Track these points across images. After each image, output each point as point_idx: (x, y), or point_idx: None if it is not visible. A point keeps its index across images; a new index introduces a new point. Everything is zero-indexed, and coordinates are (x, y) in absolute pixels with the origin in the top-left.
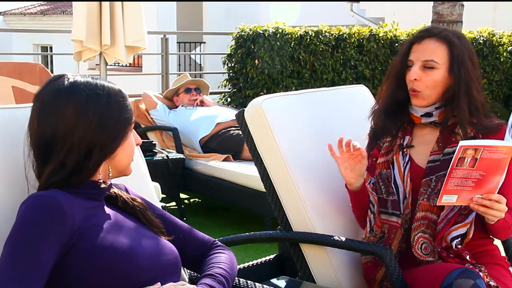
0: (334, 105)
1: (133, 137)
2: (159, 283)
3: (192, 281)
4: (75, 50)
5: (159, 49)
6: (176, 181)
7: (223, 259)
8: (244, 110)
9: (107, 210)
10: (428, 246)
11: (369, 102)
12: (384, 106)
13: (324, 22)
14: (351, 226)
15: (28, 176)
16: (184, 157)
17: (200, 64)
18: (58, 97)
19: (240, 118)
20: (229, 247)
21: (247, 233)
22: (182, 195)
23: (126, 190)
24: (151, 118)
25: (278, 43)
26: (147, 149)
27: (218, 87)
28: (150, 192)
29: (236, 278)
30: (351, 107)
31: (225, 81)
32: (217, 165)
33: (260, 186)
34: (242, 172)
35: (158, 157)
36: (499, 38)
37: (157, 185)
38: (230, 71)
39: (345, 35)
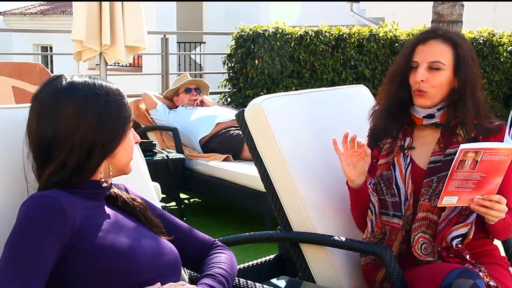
0: (334, 105)
1: (132, 136)
2: (159, 283)
3: (192, 281)
4: (75, 50)
5: (159, 49)
6: (176, 181)
7: (223, 259)
8: (244, 110)
9: (107, 210)
10: (428, 246)
11: (369, 102)
12: (386, 107)
13: (324, 22)
14: (351, 226)
15: (28, 176)
16: (184, 157)
17: (200, 64)
18: (57, 98)
19: (240, 118)
20: (229, 247)
21: (247, 233)
22: (182, 195)
23: (126, 190)
24: (151, 118)
25: (278, 43)
26: (147, 149)
27: (218, 87)
28: (150, 192)
29: (236, 278)
30: (351, 107)
31: (225, 81)
32: (217, 165)
33: (260, 186)
34: (242, 172)
35: (158, 157)
36: (499, 38)
37: (157, 185)
38: (230, 71)
39: (345, 35)
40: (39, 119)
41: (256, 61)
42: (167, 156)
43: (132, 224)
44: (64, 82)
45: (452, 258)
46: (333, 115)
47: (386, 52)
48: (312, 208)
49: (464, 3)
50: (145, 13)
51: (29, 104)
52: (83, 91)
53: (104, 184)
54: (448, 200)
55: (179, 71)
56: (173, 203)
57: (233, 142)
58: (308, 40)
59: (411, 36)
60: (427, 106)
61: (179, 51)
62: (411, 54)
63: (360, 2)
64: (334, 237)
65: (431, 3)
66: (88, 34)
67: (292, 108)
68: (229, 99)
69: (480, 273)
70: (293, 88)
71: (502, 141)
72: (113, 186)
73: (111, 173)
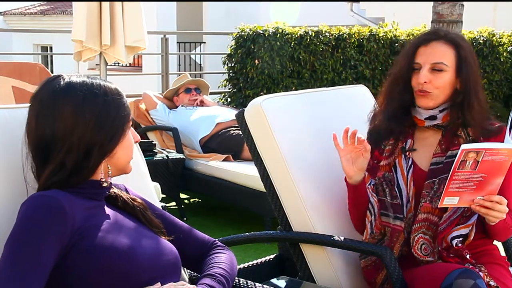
0: (334, 105)
1: (131, 135)
2: (159, 283)
3: (192, 281)
4: (75, 50)
5: (159, 49)
6: (176, 181)
7: (223, 259)
8: (244, 110)
9: (107, 210)
10: (428, 247)
11: (369, 102)
12: (389, 108)
13: (324, 22)
14: (351, 227)
15: (27, 177)
16: (184, 157)
17: (200, 64)
18: (55, 98)
19: (240, 118)
20: (229, 247)
21: (247, 233)
22: (182, 195)
23: (126, 190)
24: (151, 118)
25: (278, 43)
26: (147, 149)
27: (218, 87)
28: (150, 192)
29: (236, 278)
30: (351, 107)
31: (225, 81)
32: (217, 165)
33: (260, 186)
34: (242, 172)
35: (158, 157)
36: (499, 38)
37: (157, 185)
38: (230, 71)
39: (345, 35)
40: (38, 119)
41: (256, 61)
42: (167, 156)
43: (132, 224)
44: (62, 82)
45: (452, 258)
46: (333, 115)
47: (386, 52)
48: (312, 208)
49: (464, 3)
50: (145, 13)
51: (29, 104)
52: (81, 91)
53: (104, 184)
54: (449, 201)
55: (179, 71)
56: (173, 203)
57: (233, 142)
58: (308, 40)
59: (411, 36)
60: (429, 107)
61: (179, 51)
62: (413, 56)
63: (360, 2)
64: (334, 237)
65: (431, 3)
66: (88, 34)
67: (292, 108)
68: (229, 99)
69: (480, 273)
70: (293, 88)
71: (503, 142)
72: (113, 186)
73: (110, 173)
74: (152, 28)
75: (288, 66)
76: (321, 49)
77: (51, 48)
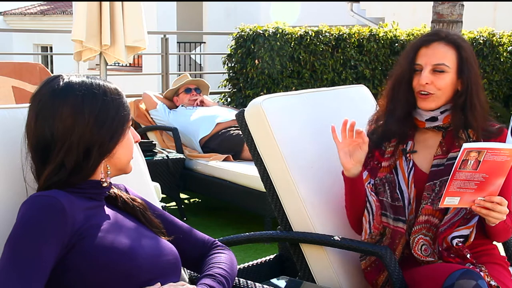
0: (334, 105)
1: (131, 135)
2: (159, 283)
3: (192, 281)
4: (75, 50)
5: (159, 49)
6: (176, 181)
7: (223, 259)
8: (244, 110)
9: (107, 210)
10: (428, 248)
11: (369, 102)
12: (391, 110)
13: (324, 22)
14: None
15: (26, 177)
16: (184, 157)
17: (200, 64)
18: (54, 98)
19: (240, 118)
20: (229, 247)
21: (247, 233)
22: (182, 195)
23: (126, 190)
24: (151, 118)
25: (278, 43)
26: (147, 149)
27: (218, 87)
28: (150, 192)
29: (236, 278)
30: (351, 107)
31: (225, 81)
32: (217, 165)
33: (260, 186)
34: (242, 172)
35: (158, 157)
36: (499, 38)
37: (157, 185)
38: (230, 71)
39: (345, 35)
40: (37, 120)
41: (256, 61)
42: (167, 156)
43: (132, 224)
44: (61, 82)
45: (453, 258)
46: (333, 115)
47: (386, 52)
48: (312, 208)
49: (464, 3)
50: (145, 13)
51: (29, 104)
52: (80, 91)
53: (104, 184)
54: (450, 201)
55: (179, 71)
56: (173, 203)
57: (233, 142)
58: (308, 40)
59: (411, 36)
60: (431, 109)
61: (179, 51)
62: (414, 57)
63: (360, 2)
64: (334, 237)
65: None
66: (88, 34)
67: (292, 108)
68: (229, 99)
69: (481, 273)
70: (293, 88)
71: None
72: (113, 186)
73: (109, 173)
74: (152, 28)
75: (288, 66)
76: (321, 49)
77: (51, 48)
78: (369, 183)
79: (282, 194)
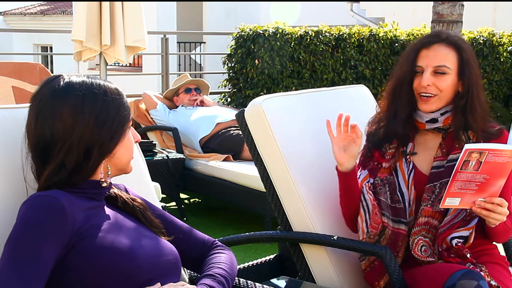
0: (334, 105)
1: (131, 135)
2: (159, 283)
3: (192, 281)
4: (75, 50)
5: (159, 49)
6: (176, 181)
7: (223, 259)
8: (244, 110)
9: (107, 210)
10: (428, 249)
11: (369, 102)
12: (392, 112)
13: (324, 22)
14: None
15: (26, 177)
16: (184, 157)
17: (200, 64)
18: (55, 98)
19: (240, 118)
20: (229, 247)
21: (247, 233)
22: (182, 195)
23: (126, 190)
24: (151, 118)
25: (278, 43)
26: (147, 149)
27: (218, 87)
28: (150, 192)
29: (236, 278)
30: (351, 107)
31: (225, 81)
32: (217, 165)
33: (260, 186)
34: (242, 172)
35: (158, 157)
36: (499, 38)
37: (157, 185)
38: (230, 71)
39: (345, 35)
40: (38, 119)
41: (256, 61)
42: (167, 156)
43: (132, 225)
44: (62, 82)
45: (453, 258)
46: (333, 115)
47: (386, 52)
48: (312, 208)
49: (464, 3)
50: (145, 13)
51: (29, 104)
52: (81, 91)
53: (104, 184)
54: (450, 202)
55: (179, 71)
56: (173, 203)
57: (233, 142)
58: (308, 40)
59: (411, 36)
60: (432, 111)
61: (179, 51)
62: (415, 59)
63: (360, 2)
64: (334, 237)
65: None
66: (88, 34)
67: (292, 108)
68: (229, 99)
69: (481, 273)
70: (293, 88)
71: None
72: (113, 187)
73: (109, 173)
74: (152, 28)
75: (288, 66)
76: (321, 49)
77: (51, 48)
78: (368, 181)
79: (282, 194)
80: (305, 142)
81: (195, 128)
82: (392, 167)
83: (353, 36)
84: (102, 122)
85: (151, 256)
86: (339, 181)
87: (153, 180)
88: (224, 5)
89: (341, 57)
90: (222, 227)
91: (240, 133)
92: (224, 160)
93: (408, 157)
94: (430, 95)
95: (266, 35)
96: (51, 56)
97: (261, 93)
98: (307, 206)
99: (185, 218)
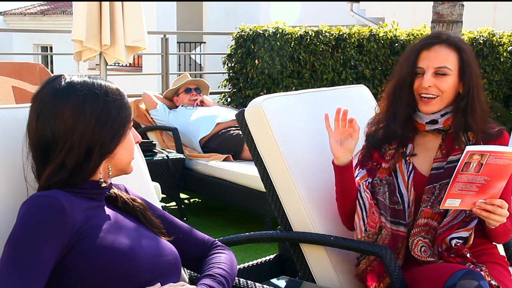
0: (334, 105)
1: (132, 136)
2: (158, 283)
3: (192, 281)
4: (75, 50)
5: (159, 49)
6: (176, 181)
7: (223, 259)
8: (244, 110)
9: (107, 210)
10: (428, 249)
11: (369, 102)
12: (392, 113)
13: (324, 22)
14: None
15: (27, 176)
16: (184, 157)
17: (200, 64)
18: (56, 98)
19: (240, 118)
20: (229, 247)
21: (247, 233)
22: (182, 195)
23: (126, 191)
24: (151, 118)
25: (278, 43)
26: (147, 149)
27: (218, 87)
28: (150, 192)
29: (236, 278)
30: (351, 107)
31: (225, 81)
32: (217, 165)
33: (260, 186)
34: (242, 172)
35: (158, 157)
36: (499, 38)
37: (157, 185)
38: (230, 71)
39: (345, 35)
40: (39, 119)
41: (256, 61)
42: (167, 156)
43: (132, 225)
44: (63, 82)
45: (453, 258)
46: (333, 115)
47: (386, 52)
48: (312, 208)
49: (464, 3)
50: (145, 13)
51: (30, 104)
52: (82, 91)
53: (103, 184)
54: (451, 203)
55: (179, 71)
56: (173, 203)
57: (233, 142)
58: (308, 40)
59: (411, 36)
60: (432, 112)
61: (179, 51)
62: (416, 60)
63: (360, 2)
64: (334, 237)
65: (431, 3)
66: (88, 34)
67: (292, 108)
68: (229, 99)
69: (482, 273)
70: (293, 88)
71: (505, 145)
72: (113, 187)
73: (110, 173)
74: (152, 28)
75: (288, 66)
76: (321, 49)
77: (51, 48)
78: (366, 180)
79: (282, 194)
80: (305, 142)
81: (195, 128)
82: (392, 168)
83: (353, 36)
84: (103, 123)
85: (151, 256)
86: (335, 175)
87: (153, 180)
88: (224, 5)
89: (341, 57)
90: (222, 227)
91: (240, 133)
92: (224, 160)
93: (407, 158)
94: (431, 96)
95: (266, 35)
96: (51, 56)
97: (261, 93)
98: (307, 206)
99: (185, 218)
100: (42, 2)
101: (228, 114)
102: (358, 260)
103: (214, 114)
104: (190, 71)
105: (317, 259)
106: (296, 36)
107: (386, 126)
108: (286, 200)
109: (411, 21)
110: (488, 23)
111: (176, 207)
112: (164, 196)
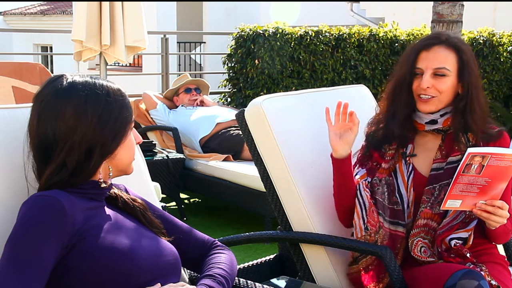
0: (334, 105)
1: (133, 136)
2: (159, 283)
3: (192, 281)
4: (75, 50)
5: (159, 49)
6: (176, 181)
7: (223, 259)
8: (244, 110)
9: (108, 210)
10: (427, 250)
11: (369, 102)
12: (394, 113)
13: (324, 22)
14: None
15: (28, 176)
16: (184, 157)
17: (200, 64)
18: (57, 98)
19: (240, 118)
20: (229, 247)
21: (247, 233)
22: (182, 195)
23: (126, 191)
24: (151, 118)
25: (278, 43)
26: (147, 149)
27: (218, 87)
28: (150, 192)
29: (236, 278)
30: (351, 107)
31: (225, 81)
32: (217, 165)
33: (260, 186)
34: (242, 172)
35: (158, 157)
36: (499, 38)
37: (157, 185)
38: (230, 71)
39: (345, 35)
40: (40, 119)
41: (256, 61)
42: (167, 156)
43: (132, 225)
44: (64, 82)
45: (453, 258)
46: (333, 115)
47: (386, 52)
48: (312, 208)
49: (464, 3)
50: (145, 13)
51: (30, 104)
52: (83, 91)
53: (103, 185)
54: (451, 204)
55: (179, 71)
56: (173, 203)
57: (233, 142)
58: (308, 40)
59: (411, 36)
60: (431, 112)
61: (179, 51)
62: (415, 61)
63: (360, 2)
64: (334, 237)
65: (431, 3)
66: (88, 34)
67: (292, 108)
68: (229, 99)
69: (482, 272)
70: (293, 88)
71: (504, 147)
72: (113, 187)
73: (111, 174)
74: (152, 28)
75: (288, 66)
76: (321, 49)
77: (51, 48)
78: (366, 180)
79: (282, 194)
80: (305, 142)
81: (195, 128)
82: (392, 169)
83: (353, 36)
84: (104, 123)
85: (151, 256)
86: (333, 169)
87: (153, 180)
88: (224, 5)
89: (341, 57)
90: (222, 227)
91: (240, 133)
92: (224, 160)
93: (408, 158)
94: (429, 96)
95: (266, 35)
96: (51, 56)
97: (261, 93)
98: (307, 206)
99: (185, 218)
100: (42, 2)
101: (228, 114)
102: (357, 259)
103: (214, 114)
104: (190, 71)
105: (317, 259)
106: (296, 36)
107: (386, 126)
108: (286, 200)
109: (411, 21)
110: (488, 23)
111: (176, 207)
112: (164, 196)
